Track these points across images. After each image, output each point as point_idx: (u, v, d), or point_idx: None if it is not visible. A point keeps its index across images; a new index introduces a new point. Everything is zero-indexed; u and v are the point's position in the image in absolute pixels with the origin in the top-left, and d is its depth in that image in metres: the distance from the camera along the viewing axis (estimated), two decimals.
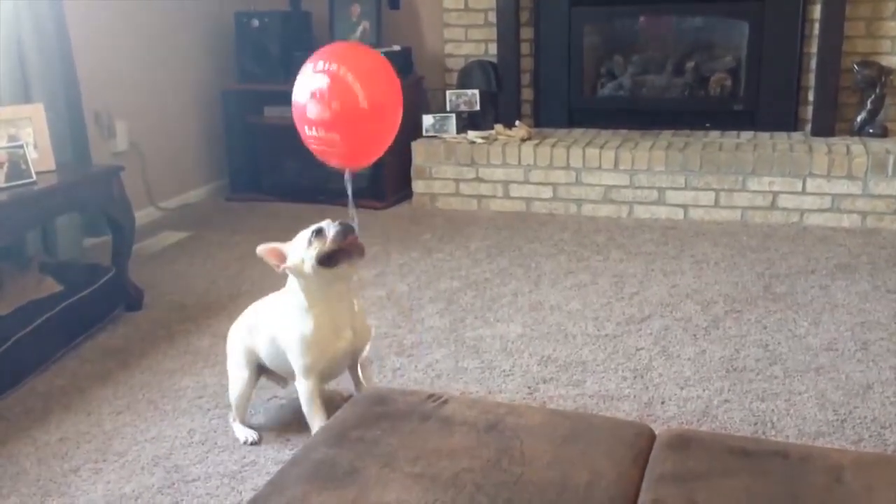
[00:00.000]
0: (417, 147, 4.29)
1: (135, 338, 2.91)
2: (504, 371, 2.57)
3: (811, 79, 4.09)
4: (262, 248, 2.16)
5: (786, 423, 2.22)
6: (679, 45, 4.54)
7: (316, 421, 2.13)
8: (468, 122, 4.36)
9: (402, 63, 4.51)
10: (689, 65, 4.45)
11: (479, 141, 4.22)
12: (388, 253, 3.67)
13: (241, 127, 4.53)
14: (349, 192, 2.72)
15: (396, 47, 4.48)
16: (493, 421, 1.38)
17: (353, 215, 2.67)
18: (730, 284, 3.16)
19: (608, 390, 2.43)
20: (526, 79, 4.55)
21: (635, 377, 2.50)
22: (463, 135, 4.29)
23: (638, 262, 3.43)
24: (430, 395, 1.48)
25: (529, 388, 2.47)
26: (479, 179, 4.20)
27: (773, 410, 2.28)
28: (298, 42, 4.56)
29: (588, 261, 3.47)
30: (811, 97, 4.10)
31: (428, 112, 4.45)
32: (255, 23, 4.43)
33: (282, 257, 2.13)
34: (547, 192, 4.12)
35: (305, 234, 2.09)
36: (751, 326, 2.80)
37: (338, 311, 2.12)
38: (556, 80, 4.50)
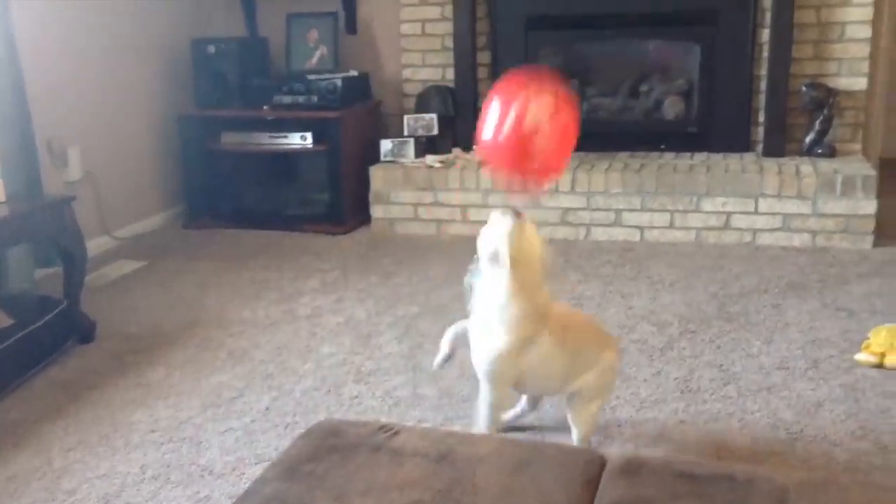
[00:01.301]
0: (376, 172, 4.29)
1: (87, 370, 2.86)
2: (462, 397, 2.57)
3: (761, 101, 4.17)
4: None
5: (740, 443, 2.24)
6: (634, 68, 4.61)
7: None
8: (426, 146, 4.38)
9: (360, 88, 4.53)
10: (644, 88, 4.52)
11: (438, 165, 4.23)
12: (347, 278, 3.65)
13: (198, 153, 4.50)
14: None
15: (354, 72, 4.49)
16: (445, 451, 1.38)
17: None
18: (685, 305, 3.20)
19: (564, 414, 2.43)
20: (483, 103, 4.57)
21: None
22: (421, 159, 4.31)
23: (595, 284, 3.46)
24: (382, 426, 1.47)
25: None
26: (437, 204, 4.22)
27: (727, 431, 2.30)
28: (255, 68, 4.56)
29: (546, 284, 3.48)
30: (762, 119, 4.18)
31: (386, 137, 4.46)
32: (212, 49, 4.42)
33: None
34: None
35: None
36: (705, 347, 2.83)
37: None
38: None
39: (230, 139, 4.45)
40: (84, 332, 3.06)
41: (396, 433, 1.44)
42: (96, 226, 4.05)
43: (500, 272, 1.98)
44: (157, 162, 4.56)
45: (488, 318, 2.04)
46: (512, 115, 1.94)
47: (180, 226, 4.57)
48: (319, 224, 4.37)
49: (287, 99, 4.35)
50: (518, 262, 1.97)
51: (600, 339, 2.17)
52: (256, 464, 2.22)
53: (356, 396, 2.61)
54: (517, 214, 2.01)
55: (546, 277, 2.07)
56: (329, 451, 1.39)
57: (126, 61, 4.29)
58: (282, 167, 4.73)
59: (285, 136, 4.35)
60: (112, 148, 4.22)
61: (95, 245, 3.94)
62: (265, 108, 4.39)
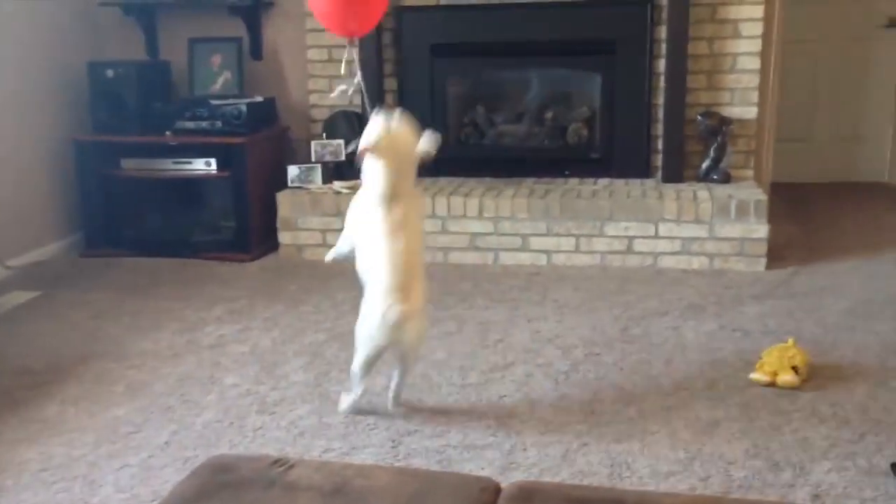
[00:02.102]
0: (283, 198, 4.24)
1: None
2: (368, 425, 2.55)
3: (660, 128, 4.31)
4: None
5: (640, 463, 2.29)
6: (538, 95, 4.71)
7: None
8: (334, 172, 4.36)
9: (266, 114, 4.48)
10: (548, 115, 4.62)
11: (346, 191, 4.21)
12: (253, 306, 3.59)
13: (95, 179, 4.36)
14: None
15: (259, 98, 4.44)
16: (340, 484, 1.36)
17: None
18: (589, 328, 3.26)
19: (472, 440, 2.45)
20: None
21: (499, 425, 2.53)
22: (329, 185, 4.28)
23: (503, 309, 3.49)
24: (276, 461, 1.44)
25: (393, 441, 2.45)
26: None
27: (628, 452, 2.35)
28: (157, 92, 4.46)
29: (454, 309, 3.51)
30: (660, 146, 4.32)
31: (293, 163, 4.41)
32: (110, 73, 4.30)
33: None
34: None
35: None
36: (608, 369, 2.89)
37: None
38: (420, 130, 4.55)
39: (130, 165, 4.33)
40: None
41: (291, 467, 1.41)
42: None
43: (374, 162, 2.43)
44: (52, 188, 4.39)
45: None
46: None
47: (77, 254, 4.40)
48: (225, 251, 4.28)
49: (190, 124, 4.27)
50: (384, 151, 2.41)
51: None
52: (152, 501, 2.15)
53: (260, 428, 2.55)
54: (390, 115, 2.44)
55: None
56: (219, 487, 1.35)
57: (17, 83, 4.13)
58: (186, 194, 4.63)
59: (189, 162, 4.26)
60: (4, 173, 4.05)
61: None
62: (168, 133, 4.29)
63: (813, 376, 2.74)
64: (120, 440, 2.49)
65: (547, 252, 4.06)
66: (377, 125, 2.42)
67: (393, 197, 2.44)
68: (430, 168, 4.49)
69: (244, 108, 4.23)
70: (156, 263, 4.20)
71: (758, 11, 4.14)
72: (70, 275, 4.10)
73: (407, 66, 4.49)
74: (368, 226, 2.48)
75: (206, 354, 3.10)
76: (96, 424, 2.59)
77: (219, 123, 4.24)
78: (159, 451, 2.42)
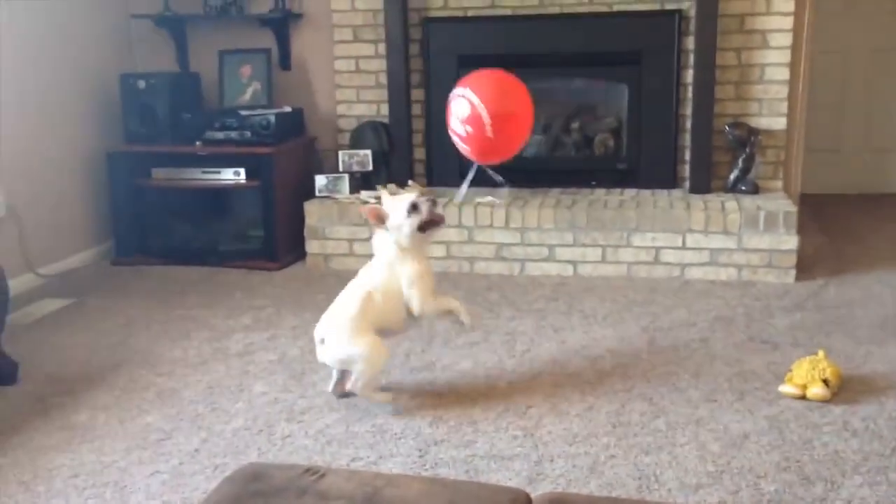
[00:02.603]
0: (310, 208, 4.27)
1: (7, 413, 2.76)
2: (395, 434, 2.56)
3: (687, 139, 4.29)
4: (366, 209, 2.77)
5: (668, 475, 2.27)
6: (565, 106, 4.71)
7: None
8: (361, 182, 4.39)
9: (294, 124, 4.53)
10: (575, 126, 4.62)
11: (372, 201, 4.23)
12: (281, 315, 3.61)
13: (127, 189, 4.42)
14: (469, 176, 3.09)
15: (288, 108, 4.49)
16: (371, 493, 1.37)
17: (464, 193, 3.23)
18: (616, 339, 3.25)
19: (499, 450, 2.44)
20: (418, 139, 4.62)
21: (525, 436, 2.52)
22: (356, 195, 4.31)
23: (529, 320, 3.49)
24: (308, 469, 1.45)
25: (420, 450, 2.45)
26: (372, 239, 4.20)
27: (656, 464, 2.34)
28: (187, 104, 4.52)
29: (481, 319, 3.51)
30: (688, 156, 4.30)
31: (321, 172, 4.45)
32: (142, 84, 4.36)
33: (381, 219, 2.72)
34: (440, 251, 4.16)
35: (403, 206, 2.69)
36: (636, 380, 2.87)
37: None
38: (447, 140, 4.50)
39: (161, 175, 4.39)
40: (5, 374, 2.96)
41: (323, 476, 1.42)
42: (20, 263, 3.93)
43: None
44: (84, 198, 4.46)
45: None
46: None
47: (108, 263, 4.46)
48: (253, 260, 4.32)
49: (220, 135, 4.32)
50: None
51: None
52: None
53: (288, 436, 2.57)
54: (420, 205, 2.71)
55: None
56: (253, 496, 1.36)
57: (52, 96, 4.21)
58: (214, 203, 4.68)
59: (218, 172, 4.31)
60: (37, 183, 4.12)
61: (19, 283, 3.82)
62: (197, 143, 4.34)
63: (843, 389, 2.71)
64: (150, 447, 2.52)
65: (573, 262, 4.05)
66: (402, 208, 2.72)
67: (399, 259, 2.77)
68: (456, 178, 4.55)
69: (273, 118, 4.28)
70: (185, 272, 4.25)
71: (787, 22, 4.12)
72: (101, 283, 4.15)
73: (434, 77, 4.51)
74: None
75: (234, 362, 3.13)
76: (127, 431, 2.62)
77: (248, 134, 4.29)
78: (189, 458, 2.44)
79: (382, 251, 2.78)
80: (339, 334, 2.70)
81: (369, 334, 2.68)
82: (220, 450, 2.49)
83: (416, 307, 2.75)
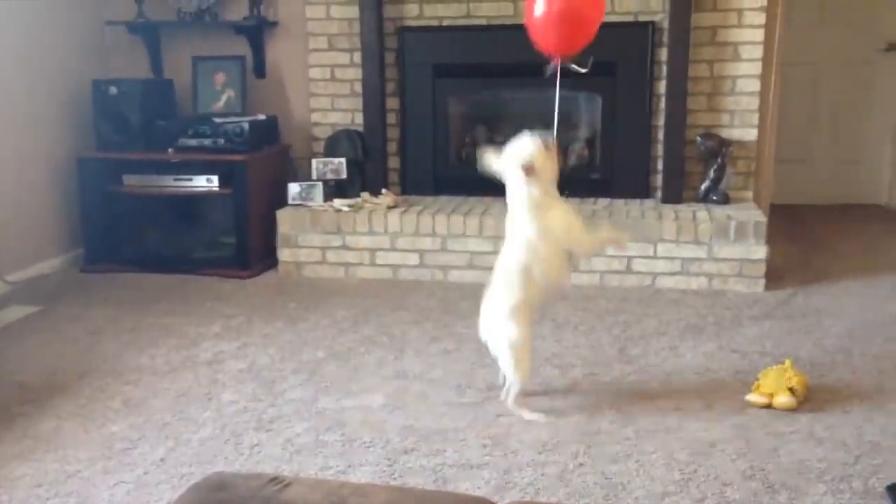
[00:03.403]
0: (283, 215, 4.26)
1: None
2: (365, 443, 2.55)
3: (660, 149, 4.33)
4: (520, 165, 2.61)
5: (635, 484, 2.28)
6: (539, 116, 4.72)
7: None
8: (335, 190, 4.38)
9: (268, 132, 4.51)
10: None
11: (346, 209, 4.23)
12: (252, 323, 3.59)
13: (98, 196, 4.38)
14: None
15: (262, 116, 4.47)
16: (336, 503, 1.36)
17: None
18: (587, 348, 3.26)
19: (468, 459, 2.44)
20: (392, 147, 4.62)
21: (495, 444, 2.52)
22: (329, 203, 4.30)
23: None
24: (273, 479, 1.44)
25: (390, 460, 2.45)
26: (345, 247, 4.20)
27: (624, 472, 2.34)
28: (160, 110, 4.49)
29: (453, 327, 3.51)
30: (660, 167, 4.33)
31: (295, 180, 4.44)
32: (114, 90, 4.33)
33: (533, 170, 2.61)
34: (413, 259, 4.16)
35: (535, 147, 2.64)
36: (606, 389, 2.89)
37: None
38: (422, 149, 4.59)
39: (132, 181, 4.35)
40: None
41: (288, 485, 1.41)
42: None
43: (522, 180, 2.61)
44: (54, 204, 4.41)
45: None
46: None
47: (78, 270, 4.42)
48: (225, 268, 4.30)
49: (193, 141, 4.29)
50: (536, 173, 2.61)
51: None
52: None
53: (256, 445, 2.55)
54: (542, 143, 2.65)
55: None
56: None
57: (24, 101, 4.16)
58: (187, 210, 4.65)
59: (190, 179, 4.29)
60: (6, 189, 4.07)
61: None
62: (170, 150, 4.31)
63: (810, 398, 2.74)
64: (115, 456, 2.49)
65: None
66: (530, 145, 2.65)
67: (540, 207, 2.63)
68: (431, 187, 4.56)
69: (246, 125, 4.26)
70: (155, 279, 4.21)
71: (758, 35, 4.17)
72: (70, 290, 4.11)
73: (409, 86, 4.51)
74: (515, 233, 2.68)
75: (203, 371, 3.10)
76: (92, 440, 2.59)
77: (221, 141, 4.27)
78: (154, 467, 2.42)
79: (526, 211, 2.63)
80: (504, 325, 2.64)
81: (528, 325, 2.66)
82: (186, 459, 2.47)
83: (585, 248, 2.79)
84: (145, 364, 3.17)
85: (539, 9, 2.73)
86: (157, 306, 3.81)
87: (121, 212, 4.45)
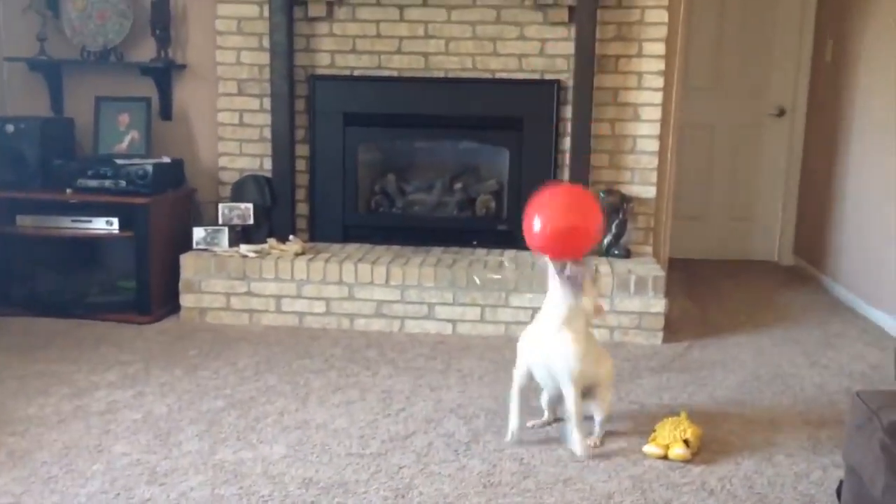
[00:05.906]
0: (187, 260, 4.16)
1: None
2: (263, 497, 2.48)
3: None
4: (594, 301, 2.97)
5: None
6: (449, 166, 4.80)
7: None
8: (241, 235, 4.32)
9: (173, 175, 4.43)
10: (458, 186, 4.71)
11: (252, 255, 4.17)
12: (149, 371, 3.48)
13: None
14: None
15: (166, 159, 4.39)
16: None
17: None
18: (492, 398, 3.28)
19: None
20: (301, 194, 4.59)
21: (396, 497, 2.50)
22: (235, 248, 4.23)
23: (406, 378, 3.48)
24: None
25: None
26: (250, 293, 4.14)
27: None
28: (58, 149, 4.35)
29: (357, 377, 3.48)
30: None
31: (200, 225, 4.36)
32: (10, 128, 4.18)
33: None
34: (320, 307, 4.12)
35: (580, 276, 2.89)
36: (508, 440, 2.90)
37: None
38: (330, 196, 4.58)
39: (26, 222, 4.18)
40: None
41: None
42: None
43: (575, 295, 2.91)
44: None
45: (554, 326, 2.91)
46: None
47: None
48: (124, 313, 4.16)
49: (93, 182, 4.17)
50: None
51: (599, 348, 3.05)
52: None
53: (148, 500, 2.46)
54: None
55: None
56: None
57: None
58: (85, 253, 4.50)
59: (89, 221, 4.15)
60: None
61: None
62: (68, 191, 4.17)
63: (703, 449, 2.82)
64: None
65: (452, 321, 4.09)
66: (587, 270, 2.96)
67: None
68: (339, 235, 4.55)
69: (150, 168, 4.17)
70: (48, 324, 4.04)
71: (656, 97, 4.36)
72: None
73: (319, 133, 4.52)
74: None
75: (95, 421, 2.98)
76: None
77: (123, 183, 4.16)
78: None
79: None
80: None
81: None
82: None
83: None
84: (33, 414, 3.02)
85: (538, 227, 2.96)
86: (49, 352, 3.65)
87: (12, 253, 4.27)
